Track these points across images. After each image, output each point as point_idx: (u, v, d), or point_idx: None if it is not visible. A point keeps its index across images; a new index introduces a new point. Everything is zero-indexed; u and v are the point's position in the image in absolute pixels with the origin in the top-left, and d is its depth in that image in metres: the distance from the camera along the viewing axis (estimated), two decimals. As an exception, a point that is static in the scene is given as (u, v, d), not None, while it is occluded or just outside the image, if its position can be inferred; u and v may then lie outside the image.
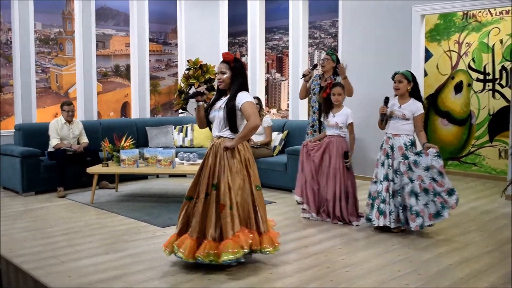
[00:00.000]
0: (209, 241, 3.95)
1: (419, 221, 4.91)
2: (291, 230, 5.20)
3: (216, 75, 4.21)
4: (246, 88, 4.17)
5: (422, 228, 4.98)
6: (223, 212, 3.97)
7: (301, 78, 6.21)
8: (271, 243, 4.12)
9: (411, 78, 5.05)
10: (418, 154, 4.96)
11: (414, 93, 5.08)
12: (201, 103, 4.19)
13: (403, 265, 4.22)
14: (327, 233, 5.13)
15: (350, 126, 5.50)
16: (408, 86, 5.05)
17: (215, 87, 4.35)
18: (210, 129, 4.29)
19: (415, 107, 5.02)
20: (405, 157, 4.98)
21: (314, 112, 6.21)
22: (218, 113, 4.10)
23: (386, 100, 5.16)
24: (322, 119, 5.80)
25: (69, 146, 7.09)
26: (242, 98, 4.05)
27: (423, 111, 5.06)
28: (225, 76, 4.12)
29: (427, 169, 4.89)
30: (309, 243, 4.82)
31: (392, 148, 5.06)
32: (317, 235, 5.08)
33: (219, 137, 4.13)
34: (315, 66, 6.33)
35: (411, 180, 4.93)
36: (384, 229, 5.13)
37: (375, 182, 5.17)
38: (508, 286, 3.74)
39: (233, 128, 4.07)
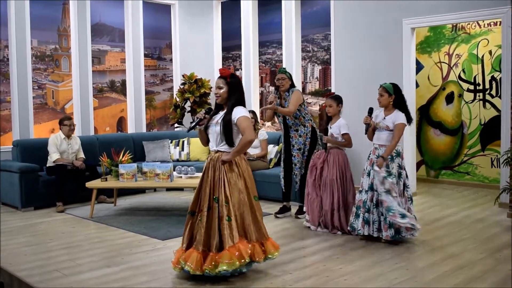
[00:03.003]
0: (214, 254, 4.03)
1: (390, 232, 5.06)
2: (289, 241, 5.28)
3: (213, 89, 4.31)
4: (242, 103, 4.28)
5: (394, 238, 5.10)
6: (222, 223, 4.07)
7: (269, 103, 6.20)
8: (275, 247, 4.27)
9: (392, 91, 5.18)
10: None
11: (399, 104, 5.21)
12: (202, 126, 4.31)
13: (399, 273, 4.31)
14: (325, 243, 5.22)
15: (345, 136, 5.61)
16: (389, 99, 5.19)
17: (211, 102, 4.48)
18: None
19: (396, 117, 5.15)
20: (388, 168, 5.12)
21: (281, 135, 6.38)
22: (215, 128, 4.20)
23: (370, 110, 5.32)
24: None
25: (69, 162, 7.16)
26: (238, 113, 4.16)
27: (403, 122, 5.12)
28: (222, 91, 4.23)
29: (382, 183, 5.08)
30: (307, 253, 4.91)
31: (377, 158, 5.18)
32: (315, 245, 5.17)
33: (217, 151, 4.22)
34: (277, 89, 6.35)
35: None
36: (375, 239, 5.21)
37: (361, 191, 5.31)
38: (502, 292, 3.85)
39: (230, 142, 4.17)
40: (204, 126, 4.32)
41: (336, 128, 5.63)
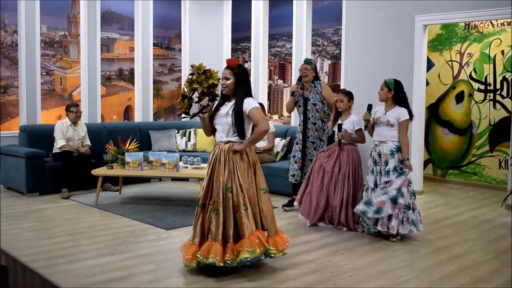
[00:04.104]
0: (232, 244, 4.01)
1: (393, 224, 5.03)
2: (294, 235, 5.25)
3: (220, 80, 4.27)
4: (250, 94, 4.25)
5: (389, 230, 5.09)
6: (238, 213, 4.04)
7: (291, 95, 6.22)
8: (276, 246, 4.16)
9: (392, 87, 5.17)
10: (400, 166, 5.09)
11: (399, 100, 5.20)
12: (206, 115, 4.26)
13: (405, 271, 4.28)
14: (330, 238, 5.19)
15: (359, 132, 5.57)
16: (388, 94, 5.19)
17: (218, 93, 4.44)
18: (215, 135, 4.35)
19: (399, 113, 5.15)
20: (386, 164, 5.12)
21: (299, 124, 6.31)
22: (226, 119, 4.16)
23: (369, 107, 5.33)
24: (334, 128, 5.81)
25: (75, 148, 7.15)
26: (250, 104, 4.13)
27: (407, 118, 5.14)
28: (229, 82, 4.19)
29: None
30: (312, 248, 4.88)
31: (380, 155, 5.18)
32: (320, 240, 5.15)
33: (227, 141, 4.19)
34: (299, 80, 6.34)
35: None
36: (384, 236, 5.19)
37: (367, 189, 5.32)
38: (508, 293, 3.82)
39: (241, 133, 4.15)
40: (208, 114, 4.27)
41: (350, 124, 5.59)
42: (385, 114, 5.20)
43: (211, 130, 4.34)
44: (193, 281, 3.97)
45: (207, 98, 4.31)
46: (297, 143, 6.31)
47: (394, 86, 5.17)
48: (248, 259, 3.93)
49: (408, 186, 5.08)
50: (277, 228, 4.33)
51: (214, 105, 4.31)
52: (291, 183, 6.39)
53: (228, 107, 4.19)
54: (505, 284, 3.99)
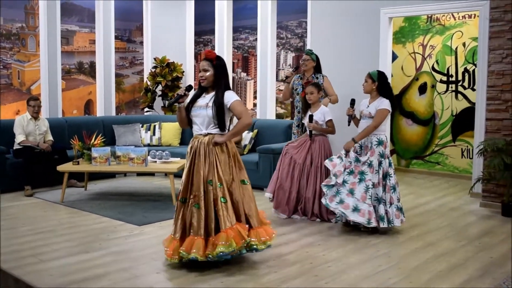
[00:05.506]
0: (212, 237, 3.94)
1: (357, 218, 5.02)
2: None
3: (199, 72, 4.18)
4: (230, 87, 4.20)
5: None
6: (217, 205, 3.98)
7: (284, 80, 6.25)
8: (258, 237, 4.11)
9: (376, 78, 5.16)
10: (380, 160, 5.11)
11: (384, 92, 5.20)
12: (182, 104, 4.18)
13: (383, 260, 4.33)
14: (305, 230, 5.20)
15: (329, 123, 5.58)
16: (372, 85, 5.17)
17: (182, 86, 4.36)
18: (191, 127, 4.27)
19: (379, 103, 5.12)
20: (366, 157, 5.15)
21: (298, 112, 6.25)
22: (206, 111, 4.08)
23: (352, 101, 5.34)
24: (304, 120, 5.83)
25: (36, 143, 6.91)
26: (231, 97, 4.07)
27: (386, 107, 5.08)
28: (207, 73, 4.12)
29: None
30: (288, 240, 4.87)
31: (361, 146, 5.18)
32: (296, 232, 5.14)
33: (207, 134, 4.12)
34: (296, 68, 6.39)
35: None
36: (357, 227, 5.21)
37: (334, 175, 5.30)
38: (485, 277, 3.90)
39: (222, 125, 4.08)
40: (183, 105, 4.19)
41: (320, 115, 5.59)
42: (368, 106, 5.20)
43: (187, 122, 4.25)
44: (174, 276, 3.89)
45: (184, 87, 4.22)
46: (294, 134, 6.26)
47: (377, 78, 5.16)
48: (223, 253, 3.87)
49: (387, 179, 5.08)
50: (263, 220, 4.29)
51: (190, 96, 4.22)
52: None
53: (207, 99, 4.11)
54: (481, 269, 4.08)
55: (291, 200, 5.62)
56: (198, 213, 3.98)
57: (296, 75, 6.33)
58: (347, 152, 5.16)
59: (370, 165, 5.07)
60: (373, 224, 4.96)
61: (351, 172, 5.11)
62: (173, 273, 3.94)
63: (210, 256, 3.88)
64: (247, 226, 4.08)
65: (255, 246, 4.07)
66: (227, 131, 4.14)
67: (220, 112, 4.04)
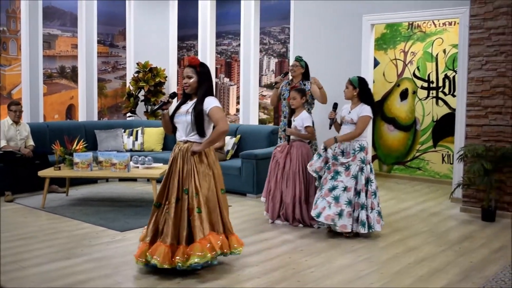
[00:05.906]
0: (184, 246, 3.94)
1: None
2: (251, 233, 5.24)
3: (183, 79, 4.18)
4: (212, 93, 4.19)
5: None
6: (192, 215, 3.98)
7: (274, 85, 6.28)
8: (239, 243, 4.20)
9: (357, 84, 5.19)
10: (362, 166, 5.16)
11: (365, 98, 5.23)
12: (166, 111, 4.18)
13: (365, 265, 4.36)
14: (287, 235, 5.21)
15: (308, 128, 5.60)
16: (353, 91, 5.20)
17: (165, 92, 4.35)
18: (175, 134, 4.27)
19: (361, 109, 5.16)
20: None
21: (284, 117, 6.27)
22: (185, 117, 4.08)
23: (335, 105, 5.38)
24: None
25: (17, 149, 6.84)
26: (210, 103, 4.06)
27: (367, 114, 5.12)
28: (191, 80, 4.12)
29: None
30: (271, 245, 4.88)
31: (343, 152, 5.20)
32: (278, 237, 5.16)
33: (186, 141, 4.11)
34: (285, 74, 6.41)
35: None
36: (337, 232, 5.22)
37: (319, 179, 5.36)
38: (465, 282, 3.95)
39: (201, 132, 4.08)
40: (167, 111, 4.18)
41: (299, 121, 5.61)
42: (350, 112, 5.23)
43: (171, 128, 4.26)
44: (156, 282, 3.88)
45: (168, 95, 4.22)
46: (280, 138, 6.27)
47: (358, 84, 5.19)
48: (197, 264, 3.89)
49: (368, 185, 5.12)
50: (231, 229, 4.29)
51: (174, 103, 4.23)
52: None
53: (188, 106, 4.11)
54: (462, 274, 4.13)
55: (275, 204, 5.65)
56: (168, 219, 3.99)
57: (285, 81, 6.36)
58: (325, 149, 5.20)
59: (347, 168, 5.11)
60: (338, 228, 5.05)
61: (328, 168, 5.20)
62: (155, 280, 3.93)
63: (179, 264, 3.88)
64: (222, 234, 4.10)
65: (237, 251, 4.17)
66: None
67: (199, 118, 4.03)
